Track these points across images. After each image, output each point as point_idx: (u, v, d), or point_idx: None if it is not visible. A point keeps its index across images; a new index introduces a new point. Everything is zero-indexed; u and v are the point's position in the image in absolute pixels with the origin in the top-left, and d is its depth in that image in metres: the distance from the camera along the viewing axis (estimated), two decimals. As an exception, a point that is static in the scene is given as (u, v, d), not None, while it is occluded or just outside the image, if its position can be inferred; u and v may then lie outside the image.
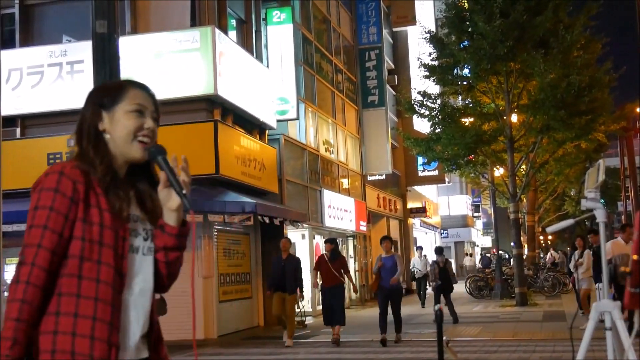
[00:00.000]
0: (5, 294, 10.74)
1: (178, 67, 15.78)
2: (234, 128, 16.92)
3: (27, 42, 17.61)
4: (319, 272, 14.79)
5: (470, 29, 22.09)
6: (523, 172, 25.43)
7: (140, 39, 16.11)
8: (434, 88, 25.83)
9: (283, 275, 14.23)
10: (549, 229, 5.22)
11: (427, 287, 22.86)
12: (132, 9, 16.78)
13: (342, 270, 14.48)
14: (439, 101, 23.40)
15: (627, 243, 11.21)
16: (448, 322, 15.99)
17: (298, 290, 14.45)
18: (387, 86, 30.44)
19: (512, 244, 23.75)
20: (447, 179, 39.16)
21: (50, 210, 2.28)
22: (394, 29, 35.33)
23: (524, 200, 30.92)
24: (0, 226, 8.10)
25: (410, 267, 26.25)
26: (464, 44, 22.52)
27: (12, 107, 15.94)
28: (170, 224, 2.47)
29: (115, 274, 2.34)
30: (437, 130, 22.99)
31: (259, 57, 19.46)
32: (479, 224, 62.97)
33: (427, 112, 23.14)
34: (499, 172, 26.81)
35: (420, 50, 26.87)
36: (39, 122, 16.93)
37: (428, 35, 23.63)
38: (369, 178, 29.83)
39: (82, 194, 2.32)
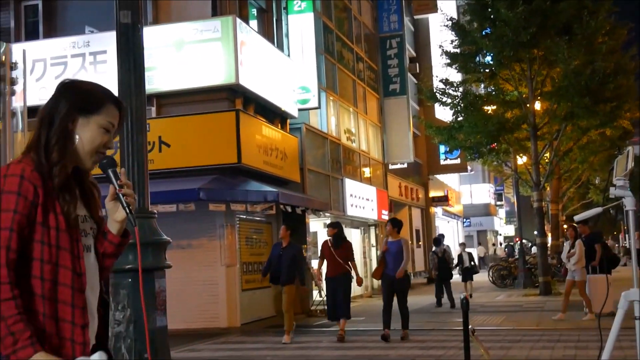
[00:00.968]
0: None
1: (199, 57, 15.79)
2: (255, 117, 16.92)
3: (50, 33, 17.70)
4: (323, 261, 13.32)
5: (492, 16, 21.90)
6: (547, 160, 25.25)
7: (162, 29, 16.13)
8: (456, 76, 25.69)
9: (279, 265, 12.85)
10: (576, 218, 5.16)
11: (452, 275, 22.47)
12: (153, 0, 16.82)
13: (347, 258, 12.92)
14: (461, 89, 23.28)
15: None
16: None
17: (298, 281, 13.02)
18: (409, 74, 30.29)
19: (535, 232, 23.62)
20: (469, 168, 39.02)
21: (14, 214, 2.31)
22: (415, 17, 35.15)
23: (548, 189, 30.67)
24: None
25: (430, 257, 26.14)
26: (486, 31, 22.35)
27: (37, 97, 16.01)
28: (113, 232, 2.57)
29: (73, 274, 2.41)
30: (459, 119, 22.87)
31: (280, 46, 19.44)
32: (502, 212, 62.68)
33: (449, 100, 23.03)
34: (522, 160, 26.63)
35: (442, 37, 26.69)
36: (63, 112, 17.01)
37: (450, 22, 23.45)
38: (391, 167, 29.77)
39: (42, 198, 2.37)
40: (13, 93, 7.99)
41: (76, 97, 2.52)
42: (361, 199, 23.90)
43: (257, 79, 16.77)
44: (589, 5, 21.69)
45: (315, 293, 18.72)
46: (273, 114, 18.35)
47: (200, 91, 15.90)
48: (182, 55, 15.85)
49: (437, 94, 23.38)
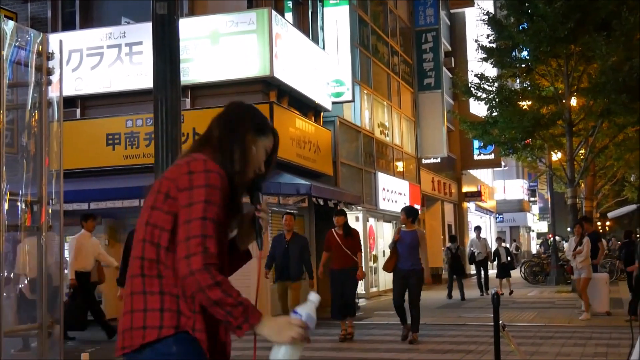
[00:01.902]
0: (66, 271, 11.00)
1: (234, 49, 15.85)
2: (289, 110, 16.96)
3: (86, 24, 17.88)
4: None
5: (530, 11, 21.70)
6: (582, 157, 25.00)
7: (197, 21, 16.22)
8: (491, 71, 25.51)
9: (286, 258, 11.91)
10: (610, 214, 5.15)
11: (488, 270, 22.14)
12: (189, -9, 16.92)
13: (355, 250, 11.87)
14: (496, 84, 23.12)
15: None
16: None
17: (306, 276, 12.05)
18: (444, 68, 30.13)
19: (568, 229, 23.39)
20: (503, 163, 38.74)
21: (218, 207, 2.55)
22: (452, 11, 34.93)
23: (582, 185, 30.35)
24: (62, 205, 8.28)
25: (467, 250, 25.93)
26: (523, 26, 22.18)
27: (73, 88, 16.24)
28: (240, 247, 2.89)
29: (223, 265, 2.66)
30: (494, 114, 22.74)
31: (314, 38, 19.44)
32: (535, 208, 62.15)
33: (484, 95, 22.89)
34: (556, 156, 26.39)
35: (478, 32, 26.49)
36: (99, 103, 17.21)
37: (486, 17, 23.29)
38: (424, 161, 29.65)
39: (227, 198, 2.65)
40: (49, 83, 8.08)
41: (256, 117, 2.84)
42: (394, 193, 23.85)
43: (292, 72, 16.80)
44: (629, 1, 21.39)
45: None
46: (307, 107, 18.37)
47: (235, 83, 15.97)
48: (217, 47, 15.93)
49: (472, 88, 23.26)
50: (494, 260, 22.02)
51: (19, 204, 7.78)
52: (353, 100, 20.73)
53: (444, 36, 31.79)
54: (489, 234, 42.25)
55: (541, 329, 12.89)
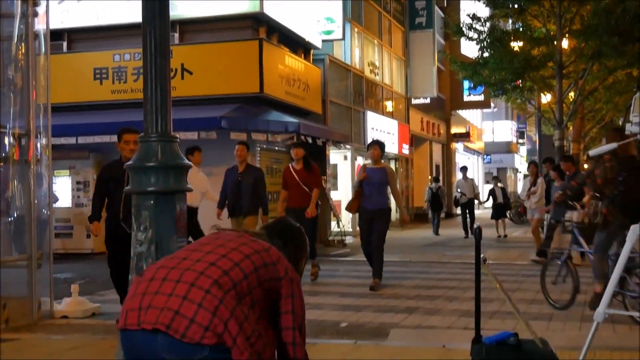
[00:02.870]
0: (54, 205, 11.02)
1: (224, -16, 15.66)
2: (279, 47, 16.84)
3: (74, -45, 17.57)
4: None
5: (523, -50, 21.42)
6: (571, 99, 24.99)
7: (187, -46, 15.96)
8: (484, 11, 25.28)
9: (239, 192, 10.76)
10: (591, 152, 5.19)
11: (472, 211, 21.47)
12: None
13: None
14: (488, 24, 22.93)
15: None
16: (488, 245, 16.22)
17: (261, 210, 10.93)
18: (436, 8, 29.85)
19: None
20: (492, 104, 38.68)
21: None
22: (445, -51, 34.41)
23: (570, 128, 30.41)
24: (50, 139, 8.28)
25: (454, 191, 25.95)
26: (517, -36, 21.88)
27: (59, 21, 16.03)
28: None
29: None
30: (484, 54, 22.60)
31: (305, -25, 19.18)
32: (523, 150, 62.33)
33: (475, 36, 22.72)
34: (546, 98, 26.40)
35: (470, -30, 26.17)
36: (86, 36, 17.03)
37: (479, -45, 22.97)
38: (413, 101, 29.61)
39: None
40: (36, 14, 7.99)
41: (303, 243, 3.26)
42: (382, 133, 23.87)
43: (282, 8, 16.62)
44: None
45: (333, 224, 18.91)
46: (296, 45, 18.24)
47: (224, 19, 15.83)
48: (206, -19, 15.73)
49: (463, 28, 23.06)
50: (487, 199, 22.02)
51: (6, 137, 7.78)
52: (343, 39, 20.56)
53: (437, -26, 31.39)
54: (477, 175, 42.44)
55: (524, 267, 13.10)
